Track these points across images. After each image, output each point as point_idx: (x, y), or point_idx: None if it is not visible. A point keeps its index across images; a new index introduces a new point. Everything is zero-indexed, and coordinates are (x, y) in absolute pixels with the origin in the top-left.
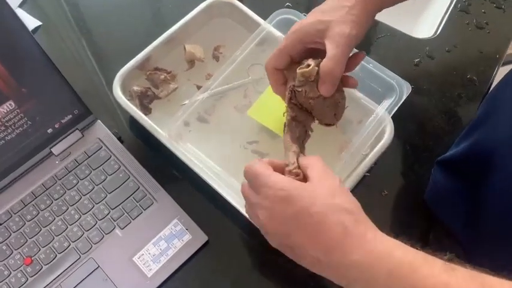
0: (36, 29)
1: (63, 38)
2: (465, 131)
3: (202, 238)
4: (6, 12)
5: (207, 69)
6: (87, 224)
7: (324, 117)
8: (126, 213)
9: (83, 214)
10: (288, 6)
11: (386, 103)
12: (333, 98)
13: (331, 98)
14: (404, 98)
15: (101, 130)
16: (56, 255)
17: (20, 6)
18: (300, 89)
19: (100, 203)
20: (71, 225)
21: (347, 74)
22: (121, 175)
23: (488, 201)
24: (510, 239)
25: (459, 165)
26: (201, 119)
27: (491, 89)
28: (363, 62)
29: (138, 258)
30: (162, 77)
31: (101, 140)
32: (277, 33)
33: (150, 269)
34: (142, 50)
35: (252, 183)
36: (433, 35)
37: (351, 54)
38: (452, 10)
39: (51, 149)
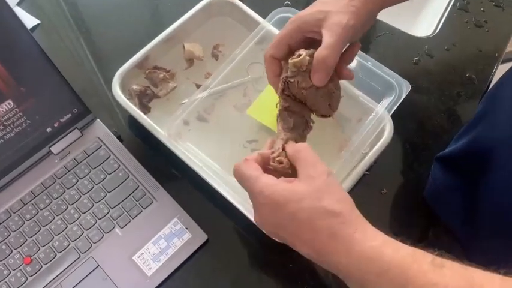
0: (35, 27)
1: (61, 37)
2: (464, 128)
3: (202, 237)
4: (5, 10)
5: (206, 68)
6: (87, 223)
7: (318, 108)
8: (125, 212)
9: (83, 213)
10: (287, 5)
11: (386, 102)
12: (326, 87)
13: (324, 88)
14: (403, 96)
15: (100, 129)
16: (56, 255)
17: (18, 4)
18: (292, 80)
19: (99, 202)
20: (70, 224)
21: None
22: (120, 174)
23: (487, 198)
24: (508, 235)
25: (458, 162)
26: (201, 118)
27: (490, 87)
28: (362, 61)
29: (138, 257)
30: (162, 75)
31: (100, 139)
32: (277, 32)
33: (150, 268)
34: (142, 48)
35: (241, 184)
36: (432, 33)
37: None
38: (451, 8)
39: (50, 148)
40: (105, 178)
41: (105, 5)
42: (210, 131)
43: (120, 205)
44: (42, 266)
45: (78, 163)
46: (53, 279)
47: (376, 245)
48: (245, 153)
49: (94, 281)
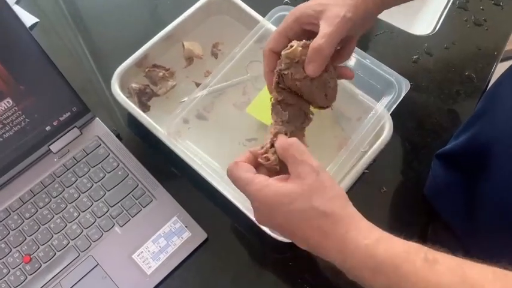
0: (33, 26)
1: (60, 35)
2: (463, 126)
3: (202, 235)
4: (4, 8)
5: (205, 66)
6: (86, 222)
7: (314, 99)
8: (125, 211)
9: (82, 212)
10: (286, 3)
11: (385, 100)
12: (321, 78)
13: (319, 78)
14: (403, 95)
15: (99, 128)
16: (55, 253)
17: (17, 3)
18: (286, 72)
19: (99, 201)
20: (70, 222)
21: (342, 64)
22: (120, 173)
23: (486, 195)
24: (507, 232)
25: (458, 159)
26: (200, 116)
27: (489, 85)
28: (361, 59)
29: (138, 255)
30: (161, 74)
31: (99, 138)
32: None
33: (150, 267)
34: (141, 47)
35: (236, 186)
36: (432, 32)
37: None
38: (450, 7)
39: (50, 147)
40: (104, 177)
41: (104, 3)
42: (209, 129)
43: (119, 204)
44: (41, 265)
45: (78, 162)
46: (53, 277)
47: (370, 243)
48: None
49: (93, 279)
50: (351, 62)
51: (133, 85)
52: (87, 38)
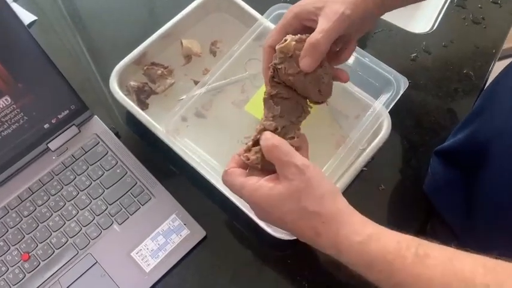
0: (32, 23)
1: (58, 33)
2: (462, 123)
3: (201, 233)
4: (2, 6)
5: (204, 64)
6: (85, 220)
7: (308, 95)
8: (123, 209)
9: (81, 210)
10: (285, 1)
11: (384, 98)
12: (315, 73)
13: (312, 74)
14: (401, 92)
15: (97, 125)
16: (54, 251)
17: (15, 0)
18: (280, 66)
19: (97, 199)
20: (68, 220)
21: (340, 65)
22: (118, 170)
23: (483, 192)
24: (503, 229)
25: (456, 156)
26: (199, 114)
27: (487, 83)
28: (359, 57)
29: (136, 253)
30: (159, 72)
31: (98, 136)
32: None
33: (148, 264)
34: (139, 44)
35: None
36: (430, 30)
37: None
38: (448, 5)
39: (48, 145)
40: (103, 175)
41: (103, 1)
42: (208, 127)
43: (118, 201)
44: (40, 263)
45: (76, 160)
46: (51, 275)
47: (361, 240)
48: None
49: (92, 277)
50: (350, 60)
51: (132, 83)
52: (85, 36)
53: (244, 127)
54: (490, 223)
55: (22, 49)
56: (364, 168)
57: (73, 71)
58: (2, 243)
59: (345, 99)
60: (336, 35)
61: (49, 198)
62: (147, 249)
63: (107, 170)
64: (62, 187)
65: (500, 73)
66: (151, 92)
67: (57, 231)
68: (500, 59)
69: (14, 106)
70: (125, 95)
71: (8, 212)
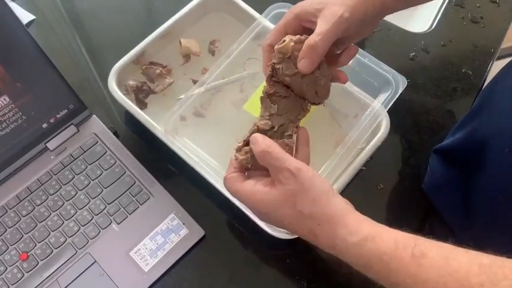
0: (30, 23)
1: (57, 32)
2: (460, 122)
3: (199, 232)
4: (0, 6)
5: (202, 63)
6: (84, 219)
7: (304, 96)
8: (122, 208)
9: (79, 209)
10: (283, 0)
11: (382, 97)
12: (312, 75)
13: (309, 75)
14: (400, 92)
15: (96, 125)
16: (52, 251)
17: (13, 0)
18: (278, 66)
19: (96, 198)
20: (67, 220)
21: (341, 68)
22: (117, 170)
23: (481, 192)
24: (501, 230)
25: (454, 155)
26: (197, 113)
27: (485, 82)
28: (358, 56)
29: (135, 253)
30: (158, 71)
31: (96, 135)
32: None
33: (147, 264)
34: (138, 44)
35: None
36: (429, 29)
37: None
38: (447, 4)
39: (47, 144)
40: (101, 174)
41: (101, 0)
42: (206, 126)
43: (116, 201)
44: (38, 262)
45: (75, 159)
46: (50, 275)
47: (357, 241)
48: None
49: (91, 277)
50: None
51: (131, 82)
52: (83, 35)
53: (243, 126)
54: (488, 222)
55: (20, 48)
56: (363, 168)
57: (71, 71)
58: (0, 243)
59: (344, 99)
60: (334, 38)
61: (47, 197)
62: (146, 248)
63: (105, 170)
64: (61, 186)
65: (498, 73)
66: (150, 91)
67: (56, 231)
68: (499, 58)
69: (13, 105)
70: (124, 94)
71: (7, 212)
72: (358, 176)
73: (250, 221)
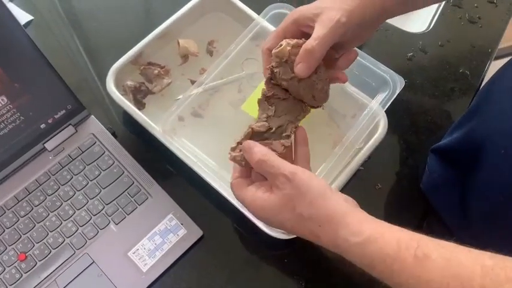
0: (28, 23)
1: (55, 33)
2: (458, 122)
3: (197, 233)
4: None
5: (201, 64)
6: (82, 220)
7: (302, 99)
8: (120, 209)
9: (77, 209)
10: (281, 1)
11: (380, 97)
12: (309, 80)
13: (306, 80)
14: (397, 92)
15: (94, 125)
16: (51, 251)
17: (11, 0)
18: (276, 70)
19: (94, 199)
20: (65, 220)
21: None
22: (115, 170)
23: (478, 192)
24: (498, 230)
25: (452, 155)
26: (195, 113)
27: (483, 82)
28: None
29: (133, 253)
30: (156, 71)
31: (94, 135)
32: (271, 28)
33: (146, 264)
34: (136, 44)
35: None
36: (426, 29)
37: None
38: (445, 5)
39: (45, 145)
40: (99, 174)
41: (99, 0)
42: (204, 126)
43: (115, 201)
44: (37, 263)
45: (73, 159)
46: (48, 275)
47: (360, 242)
48: None
49: (89, 277)
50: None
51: (129, 83)
52: (82, 36)
53: (241, 126)
54: (485, 221)
55: (18, 49)
56: (361, 168)
57: (69, 71)
58: None
59: (341, 99)
60: (331, 42)
61: (46, 198)
62: (144, 249)
63: (103, 170)
64: (59, 187)
65: (496, 73)
66: (148, 91)
67: (54, 231)
68: (496, 58)
69: (11, 106)
70: (122, 94)
71: (5, 212)
72: (356, 176)
73: (248, 221)
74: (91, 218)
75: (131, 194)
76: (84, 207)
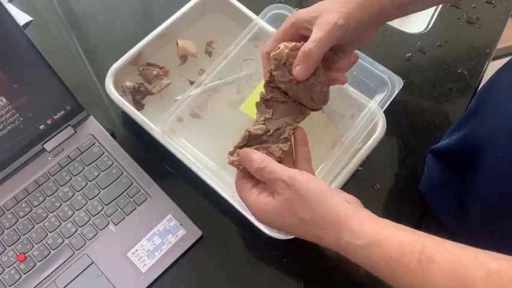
0: (27, 24)
1: (54, 34)
2: (457, 123)
3: (197, 233)
4: None
5: (199, 64)
6: (81, 220)
7: (301, 102)
8: (119, 209)
9: (77, 210)
10: (280, 1)
11: (379, 98)
12: (307, 82)
13: (304, 82)
14: (396, 92)
15: (93, 126)
16: (50, 252)
17: (10, 1)
18: (274, 73)
19: (93, 199)
20: (64, 221)
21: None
22: (114, 171)
23: (476, 194)
24: (496, 232)
25: (451, 156)
26: (194, 114)
27: (481, 83)
28: None
29: (133, 253)
30: (155, 72)
31: (93, 136)
32: (270, 29)
33: (145, 264)
34: (135, 45)
35: None
36: (425, 30)
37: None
38: (443, 5)
39: (44, 145)
40: (98, 175)
41: (98, 1)
42: (203, 127)
43: (114, 202)
44: (36, 263)
45: (72, 160)
46: (47, 276)
47: (363, 245)
48: None
49: (89, 277)
50: None
51: (128, 83)
52: (81, 37)
53: (240, 127)
54: (483, 223)
55: (17, 50)
56: (360, 168)
57: (69, 72)
58: None
59: (340, 99)
60: (329, 44)
61: (45, 199)
62: (143, 249)
63: (102, 171)
64: (58, 188)
65: (493, 74)
66: (147, 92)
67: (53, 232)
68: (495, 58)
69: (10, 107)
70: (121, 95)
71: (4, 213)
72: (355, 176)
73: (247, 221)
74: (90, 218)
75: (130, 195)
76: (84, 208)
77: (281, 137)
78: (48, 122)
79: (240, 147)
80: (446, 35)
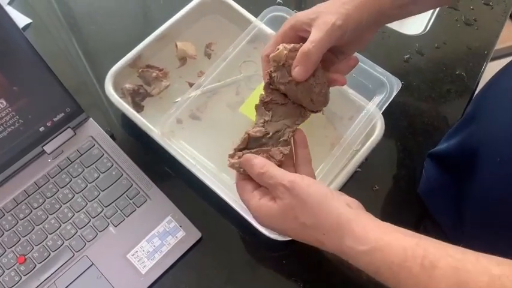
0: (26, 26)
1: (53, 36)
2: (455, 127)
3: (196, 235)
4: None
5: (199, 66)
6: (81, 222)
7: (301, 103)
8: (119, 211)
9: (76, 212)
10: (279, 4)
11: (377, 99)
12: (307, 83)
13: (304, 83)
14: (394, 94)
15: (93, 128)
16: (50, 254)
17: (10, 3)
18: (274, 75)
19: (93, 201)
20: (64, 223)
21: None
22: (114, 173)
23: (474, 198)
24: (493, 236)
25: (449, 161)
26: (194, 116)
27: (479, 84)
28: None
29: (132, 255)
30: (154, 74)
31: (93, 138)
32: (269, 31)
33: (144, 266)
34: (134, 47)
35: None
36: (423, 31)
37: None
38: (441, 7)
39: (44, 147)
40: (98, 177)
41: (97, 3)
42: (203, 129)
43: (113, 204)
44: (36, 265)
45: (72, 162)
46: (47, 278)
47: (365, 250)
48: None
49: (88, 279)
50: None
51: (127, 85)
52: (80, 39)
53: (239, 129)
54: (481, 227)
55: (17, 52)
56: (358, 169)
57: (68, 74)
58: None
59: (339, 101)
60: (328, 45)
61: (45, 200)
62: (143, 251)
63: (102, 173)
64: (58, 190)
65: (491, 78)
66: (146, 94)
67: (53, 234)
68: (492, 59)
69: (10, 109)
70: (120, 97)
71: (4, 215)
72: (354, 177)
73: (246, 222)
74: (90, 220)
75: (130, 197)
76: (83, 210)
77: (280, 139)
78: (48, 124)
79: (240, 150)
80: (445, 36)
